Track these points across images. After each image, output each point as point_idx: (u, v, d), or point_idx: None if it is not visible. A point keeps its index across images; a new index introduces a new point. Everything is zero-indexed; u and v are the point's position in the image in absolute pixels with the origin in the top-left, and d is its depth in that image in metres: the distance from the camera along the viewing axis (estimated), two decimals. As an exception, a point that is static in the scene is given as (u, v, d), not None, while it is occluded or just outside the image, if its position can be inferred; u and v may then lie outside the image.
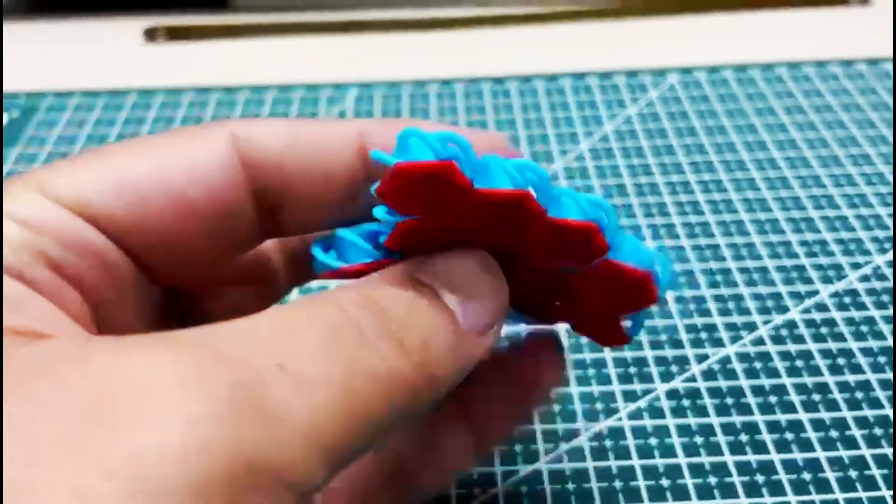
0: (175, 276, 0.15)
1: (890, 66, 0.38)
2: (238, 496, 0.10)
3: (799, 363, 0.24)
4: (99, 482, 0.09)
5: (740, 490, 0.20)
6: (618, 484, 0.20)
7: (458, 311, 0.13)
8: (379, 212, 0.14)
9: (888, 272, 0.27)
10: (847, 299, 0.26)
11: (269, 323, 0.12)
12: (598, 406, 0.22)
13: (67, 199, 0.13)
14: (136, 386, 0.10)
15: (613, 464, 0.21)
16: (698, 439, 0.21)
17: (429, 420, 0.17)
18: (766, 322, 0.25)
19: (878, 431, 0.22)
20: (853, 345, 0.24)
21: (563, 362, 0.18)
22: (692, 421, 0.22)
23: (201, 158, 0.14)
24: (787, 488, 0.20)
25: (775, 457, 0.21)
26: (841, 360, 0.24)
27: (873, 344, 0.24)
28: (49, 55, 0.42)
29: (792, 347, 0.24)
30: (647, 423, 0.22)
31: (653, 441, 0.21)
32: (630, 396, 0.23)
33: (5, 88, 0.38)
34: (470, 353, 0.13)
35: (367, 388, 0.11)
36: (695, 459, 0.21)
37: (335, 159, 0.14)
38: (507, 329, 0.19)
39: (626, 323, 0.16)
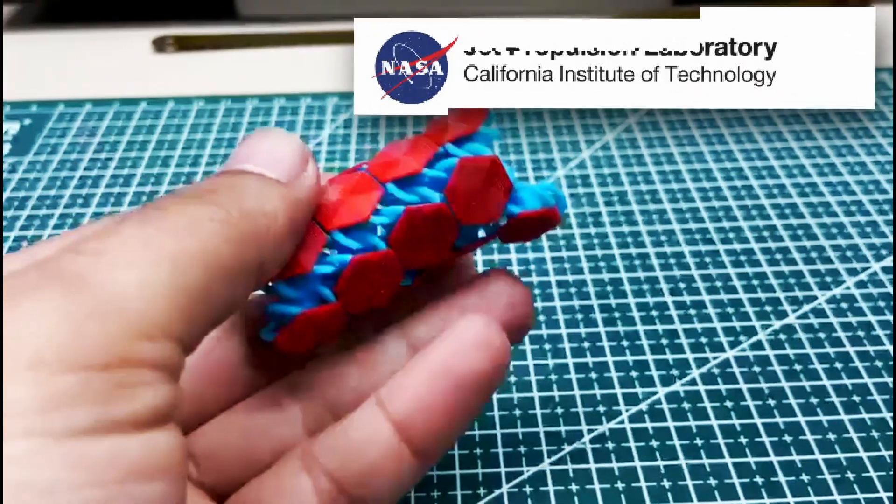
0: None
1: (887, 76, 0.39)
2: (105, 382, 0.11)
3: (797, 367, 0.24)
4: None
5: (740, 491, 0.21)
6: (620, 485, 0.21)
7: (264, 170, 0.16)
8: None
9: (885, 278, 0.27)
10: (844, 305, 0.26)
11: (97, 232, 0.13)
12: (601, 409, 0.23)
13: None
14: None
15: (616, 465, 0.21)
16: (699, 441, 0.22)
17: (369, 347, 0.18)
18: (764, 327, 0.25)
19: (875, 434, 0.22)
20: (850, 349, 0.25)
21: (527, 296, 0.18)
22: (693, 423, 0.22)
23: None
24: (786, 490, 0.21)
25: (774, 459, 0.21)
26: (839, 365, 0.24)
27: (870, 349, 0.25)
28: (60, 65, 0.43)
29: (790, 352, 0.25)
30: (649, 425, 0.22)
31: (654, 443, 0.22)
32: (631, 399, 0.23)
33: (18, 97, 0.39)
34: (293, 193, 0.16)
35: (188, 243, 0.13)
36: (695, 461, 0.21)
37: None
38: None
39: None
